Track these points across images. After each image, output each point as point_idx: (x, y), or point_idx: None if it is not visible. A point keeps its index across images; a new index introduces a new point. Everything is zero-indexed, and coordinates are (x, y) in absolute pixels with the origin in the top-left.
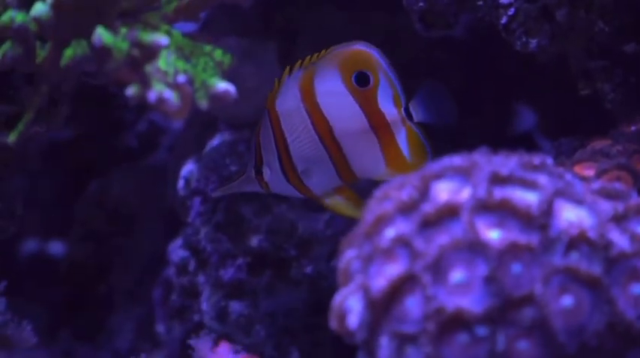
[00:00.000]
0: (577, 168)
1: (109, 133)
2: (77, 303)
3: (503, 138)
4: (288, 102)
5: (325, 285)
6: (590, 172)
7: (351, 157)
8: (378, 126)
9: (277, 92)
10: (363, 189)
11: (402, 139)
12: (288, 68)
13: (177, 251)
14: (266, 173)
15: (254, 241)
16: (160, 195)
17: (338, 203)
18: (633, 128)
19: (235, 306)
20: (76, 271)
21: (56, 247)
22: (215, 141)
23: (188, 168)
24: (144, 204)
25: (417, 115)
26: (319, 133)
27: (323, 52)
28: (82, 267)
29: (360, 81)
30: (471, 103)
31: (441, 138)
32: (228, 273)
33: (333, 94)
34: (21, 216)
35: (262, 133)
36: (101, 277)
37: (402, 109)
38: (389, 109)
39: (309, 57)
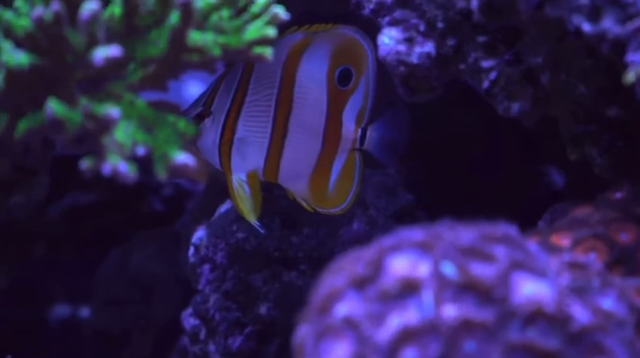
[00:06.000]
0: (554, 238)
1: (132, 198)
2: None
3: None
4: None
5: None
6: (566, 242)
7: (286, 155)
8: (330, 135)
9: None
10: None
11: (338, 163)
12: (290, 29)
13: (188, 319)
14: (207, 122)
15: (263, 309)
16: (179, 261)
17: (241, 192)
18: (618, 195)
19: None
20: (98, 337)
21: (79, 313)
22: (224, 206)
23: (198, 234)
24: (165, 269)
25: (368, 143)
26: (277, 109)
27: (330, 25)
28: (104, 334)
29: (343, 77)
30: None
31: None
32: (236, 342)
33: (313, 80)
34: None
35: (228, 78)
36: (122, 344)
37: (360, 129)
38: (348, 123)
39: (316, 25)
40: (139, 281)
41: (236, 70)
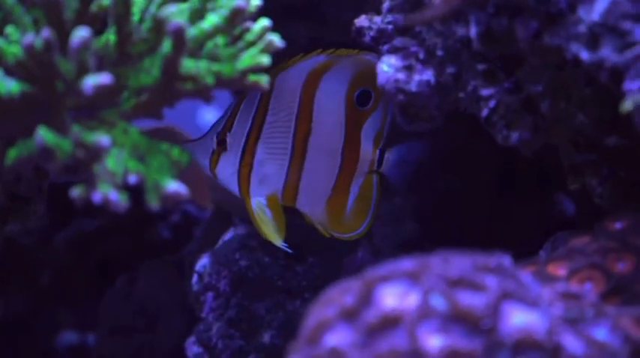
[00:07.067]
0: (551, 267)
1: (139, 225)
2: None
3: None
4: (290, 80)
5: None
6: (562, 272)
7: (305, 177)
8: (348, 156)
9: (286, 68)
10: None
11: (355, 186)
12: (315, 51)
13: (191, 347)
14: (228, 143)
15: (266, 337)
16: (184, 289)
17: (263, 216)
18: (618, 225)
19: None
20: None
21: (85, 340)
22: (228, 235)
23: (202, 262)
24: (169, 297)
25: (385, 166)
26: (297, 128)
27: (356, 51)
28: None
29: (361, 98)
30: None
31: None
32: None
33: (331, 99)
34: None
35: (247, 100)
36: None
37: (378, 151)
38: (366, 144)
39: (334, 49)
40: (144, 308)
41: (254, 94)
